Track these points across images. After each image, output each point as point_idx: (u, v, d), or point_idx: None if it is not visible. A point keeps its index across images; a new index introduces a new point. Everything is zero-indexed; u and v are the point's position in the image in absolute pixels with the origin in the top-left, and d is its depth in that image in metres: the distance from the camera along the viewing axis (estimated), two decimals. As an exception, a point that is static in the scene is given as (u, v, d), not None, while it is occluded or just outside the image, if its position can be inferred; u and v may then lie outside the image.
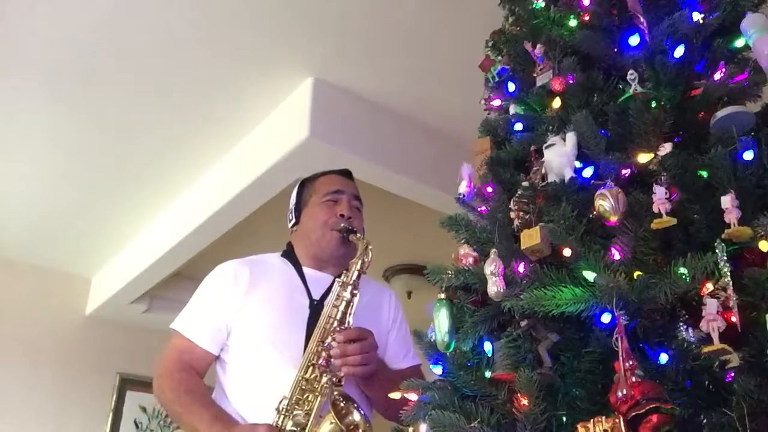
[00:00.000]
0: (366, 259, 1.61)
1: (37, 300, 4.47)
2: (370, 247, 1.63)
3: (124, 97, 2.92)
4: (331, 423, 1.42)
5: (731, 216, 1.03)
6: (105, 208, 3.81)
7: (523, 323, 1.12)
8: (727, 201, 1.04)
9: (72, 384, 4.42)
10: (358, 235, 1.65)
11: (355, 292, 1.58)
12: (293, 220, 1.79)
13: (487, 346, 1.18)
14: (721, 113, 1.16)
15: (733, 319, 0.97)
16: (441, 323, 1.21)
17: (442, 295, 1.25)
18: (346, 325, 1.54)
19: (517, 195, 1.25)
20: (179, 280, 4.14)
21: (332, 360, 1.49)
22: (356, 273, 1.59)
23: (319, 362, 1.50)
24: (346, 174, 1.84)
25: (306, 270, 1.71)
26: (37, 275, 4.50)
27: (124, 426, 4.53)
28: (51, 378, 4.36)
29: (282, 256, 1.77)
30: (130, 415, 4.56)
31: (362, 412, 1.48)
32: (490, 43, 1.68)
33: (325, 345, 1.52)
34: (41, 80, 2.81)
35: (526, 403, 1.01)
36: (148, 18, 2.50)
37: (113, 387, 4.56)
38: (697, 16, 1.29)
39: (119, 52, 2.67)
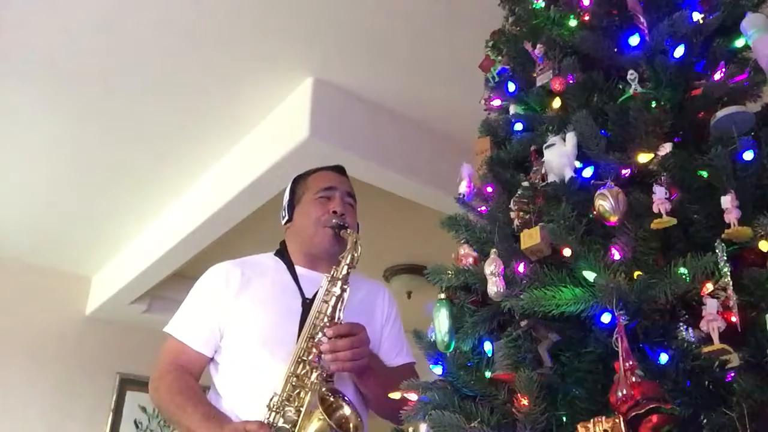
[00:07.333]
0: (355, 254, 1.60)
1: (37, 300, 4.47)
2: (359, 241, 1.62)
3: (124, 97, 2.92)
4: (320, 419, 1.41)
5: (731, 216, 1.03)
6: (105, 207, 3.81)
7: (523, 323, 1.12)
8: (727, 201, 1.04)
9: (72, 384, 4.42)
10: (349, 230, 1.64)
11: (345, 287, 1.56)
12: (286, 217, 1.78)
13: (487, 346, 1.18)
14: (721, 113, 1.16)
15: (733, 319, 0.97)
16: (441, 323, 1.21)
17: (442, 295, 1.25)
18: (337, 320, 1.53)
19: (517, 195, 1.25)
20: (179, 280, 4.14)
21: (323, 355, 1.48)
22: (345, 268, 1.58)
23: (310, 358, 1.49)
24: (340, 170, 1.83)
25: (298, 269, 1.70)
26: (37, 275, 4.50)
27: (124, 426, 4.53)
28: (51, 378, 4.35)
29: (275, 255, 1.76)
30: (130, 415, 4.57)
31: (352, 405, 1.46)
32: (490, 43, 1.68)
33: (315, 341, 1.50)
34: (41, 81, 2.81)
35: (526, 403, 1.01)
36: (148, 19, 2.50)
37: (113, 387, 4.56)
38: (697, 16, 1.29)
39: (119, 54, 2.67)
